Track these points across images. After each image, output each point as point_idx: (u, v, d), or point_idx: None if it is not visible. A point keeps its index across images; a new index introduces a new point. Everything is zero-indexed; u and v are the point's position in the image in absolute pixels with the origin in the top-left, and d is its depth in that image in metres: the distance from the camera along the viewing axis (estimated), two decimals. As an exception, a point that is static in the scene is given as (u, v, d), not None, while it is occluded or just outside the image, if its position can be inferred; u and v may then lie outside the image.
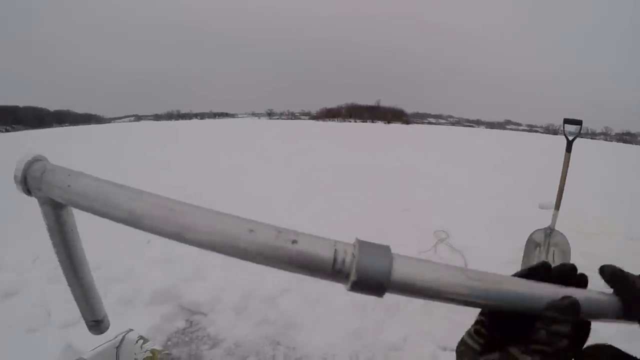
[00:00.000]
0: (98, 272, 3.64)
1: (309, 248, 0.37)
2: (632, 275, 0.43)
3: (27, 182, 0.45)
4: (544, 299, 0.39)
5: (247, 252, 0.37)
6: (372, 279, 0.36)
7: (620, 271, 0.43)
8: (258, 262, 0.38)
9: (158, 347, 1.75)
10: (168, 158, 11.55)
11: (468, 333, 0.46)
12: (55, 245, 0.51)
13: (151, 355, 1.75)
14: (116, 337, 1.78)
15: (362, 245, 0.37)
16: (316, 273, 0.37)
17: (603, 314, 0.40)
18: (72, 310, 3.16)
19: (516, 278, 0.41)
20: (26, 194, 0.46)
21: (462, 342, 0.46)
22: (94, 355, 1.68)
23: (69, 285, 0.54)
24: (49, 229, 0.49)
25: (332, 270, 0.36)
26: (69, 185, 0.43)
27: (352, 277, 0.36)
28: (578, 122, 3.62)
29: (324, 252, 0.36)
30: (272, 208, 5.91)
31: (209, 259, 3.92)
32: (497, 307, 0.40)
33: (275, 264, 0.37)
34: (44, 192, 0.44)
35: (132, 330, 1.83)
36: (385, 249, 0.38)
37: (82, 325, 2.21)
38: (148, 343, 1.77)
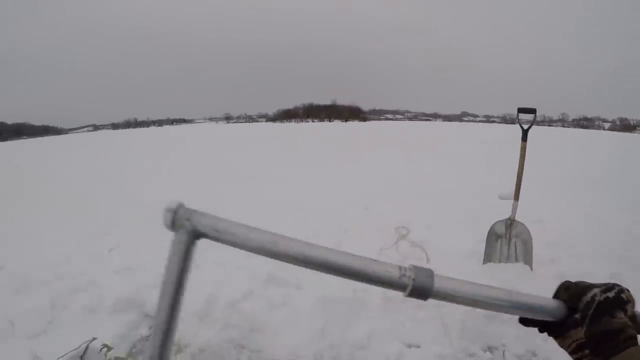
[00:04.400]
0: (60, 283, 3.57)
1: (386, 267, 0.54)
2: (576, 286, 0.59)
3: (176, 217, 0.57)
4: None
5: (353, 274, 0.54)
6: (421, 289, 0.53)
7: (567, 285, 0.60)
8: (349, 279, 0.55)
9: (122, 355, 1.72)
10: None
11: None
12: (170, 271, 0.58)
13: (115, 362, 1.72)
14: (80, 346, 1.74)
15: (416, 268, 0.54)
16: (387, 285, 0.53)
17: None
18: (36, 320, 3.08)
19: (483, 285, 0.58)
20: (169, 227, 0.57)
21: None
22: (59, 365, 1.64)
23: (158, 315, 0.58)
24: (176, 256, 0.58)
25: (398, 284, 0.53)
26: (218, 221, 0.57)
27: (409, 288, 0.53)
28: (532, 111, 3.68)
29: (395, 272, 0.53)
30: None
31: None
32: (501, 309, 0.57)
33: (364, 279, 0.54)
34: (192, 224, 0.57)
35: (95, 339, 1.80)
36: (430, 270, 0.54)
37: (47, 335, 2.17)
38: (112, 351, 1.74)
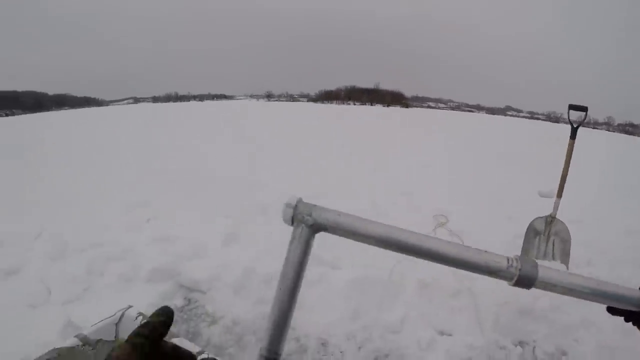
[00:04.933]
0: (99, 250, 3.70)
1: (495, 258, 0.56)
2: None
3: (296, 211, 0.61)
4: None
5: (460, 263, 0.57)
6: (527, 278, 0.56)
7: None
8: (460, 268, 0.58)
9: (157, 324, 1.74)
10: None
11: None
12: (290, 264, 0.62)
13: (150, 330, 1.74)
14: (115, 313, 1.77)
15: (521, 258, 0.57)
16: (494, 275, 0.56)
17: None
18: (72, 287, 3.20)
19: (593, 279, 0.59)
20: (287, 221, 0.62)
21: None
22: (94, 331, 1.68)
23: (275, 306, 0.62)
24: (296, 248, 0.62)
25: (506, 273, 0.56)
26: (338, 215, 0.61)
27: (516, 278, 0.56)
28: (583, 109, 3.57)
29: (502, 262, 0.56)
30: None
31: (208, 238, 3.96)
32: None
33: (475, 270, 0.57)
34: (313, 218, 0.61)
35: (131, 306, 1.82)
36: (534, 261, 0.57)
37: (82, 302, 2.22)
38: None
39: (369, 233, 0.59)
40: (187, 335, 2.86)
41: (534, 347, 2.91)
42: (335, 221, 0.60)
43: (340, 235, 0.61)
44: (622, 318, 0.62)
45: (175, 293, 3.29)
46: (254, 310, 3.09)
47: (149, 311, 2.53)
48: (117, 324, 1.76)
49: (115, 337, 1.75)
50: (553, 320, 3.02)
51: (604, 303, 0.60)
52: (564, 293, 0.58)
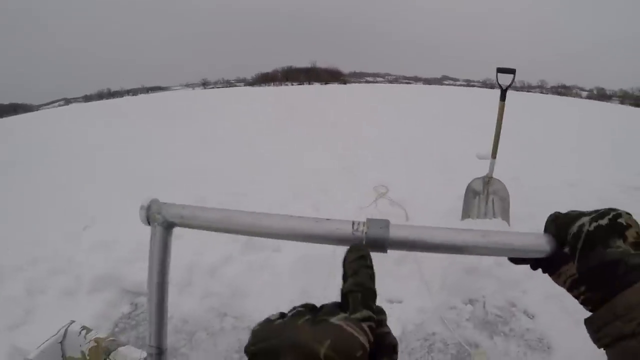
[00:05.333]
0: (37, 266, 3.48)
1: (336, 225, 0.53)
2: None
3: (149, 212, 0.63)
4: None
5: (305, 236, 0.54)
6: (376, 241, 0.50)
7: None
8: (303, 241, 0.55)
9: (101, 335, 1.68)
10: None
11: None
12: (154, 263, 0.66)
13: (96, 344, 1.68)
14: (59, 331, 1.69)
15: (369, 220, 0.52)
16: (342, 242, 0.52)
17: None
18: (13, 310, 3.00)
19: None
20: (145, 222, 0.64)
21: None
22: (39, 354, 1.60)
23: (149, 305, 0.67)
24: (156, 247, 0.65)
25: (352, 239, 0.51)
26: (182, 209, 0.62)
27: (364, 241, 0.50)
28: (511, 71, 3.65)
29: (347, 228, 0.52)
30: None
31: (145, 238, 3.74)
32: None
33: (318, 240, 0.54)
34: (162, 216, 0.62)
35: (74, 321, 1.74)
36: (386, 221, 0.52)
37: (26, 325, 2.10)
38: (92, 332, 1.69)
39: (210, 221, 0.59)
40: (137, 342, 2.75)
41: (484, 303, 3.00)
42: (180, 215, 0.61)
43: (191, 227, 0.61)
44: (529, 266, 0.55)
45: (120, 300, 3.16)
46: (202, 305, 3.02)
47: (94, 323, 2.44)
48: (61, 342, 1.68)
49: (62, 356, 1.68)
50: (499, 276, 3.11)
51: (495, 255, 0.54)
52: (438, 251, 0.53)
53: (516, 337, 2.70)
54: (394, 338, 0.40)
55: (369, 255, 0.44)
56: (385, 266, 3.21)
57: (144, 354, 1.53)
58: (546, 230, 0.53)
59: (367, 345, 0.34)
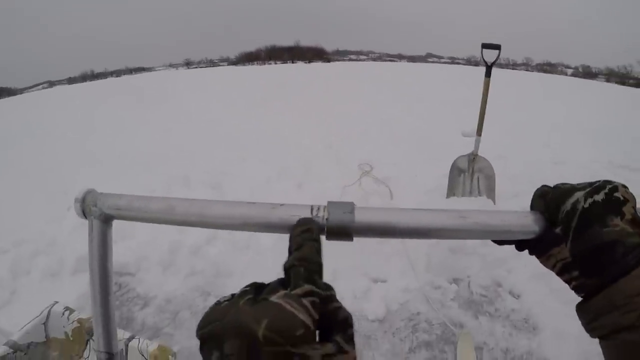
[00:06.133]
0: (22, 247, 3.43)
1: (292, 212, 0.46)
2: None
3: (84, 205, 0.57)
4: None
5: (258, 225, 0.48)
6: (340, 227, 0.44)
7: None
8: (257, 231, 0.49)
9: (84, 316, 1.67)
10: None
11: None
12: (94, 260, 0.59)
13: (79, 324, 1.67)
14: (42, 312, 1.68)
15: (331, 204, 0.46)
16: None
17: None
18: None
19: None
20: (80, 216, 0.58)
21: None
22: (23, 335, 1.58)
23: (94, 306, 0.61)
24: (94, 242, 0.59)
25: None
26: (119, 199, 0.56)
27: (326, 229, 0.44)
28: (496, 47, 3.60)
29: (305, 213, 0.45)
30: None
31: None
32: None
33: (273, 230, 0.47)
34: (99, 208, 0.56)
35: (57, 302, 1.73)
36: (350, 204, 0.46)
37: (11, 306, 2.07)
38: (74, 313, 1.68)
39: (152, 212, 0.53)
40: (121, 323, 2.75)
41: (469, 282, 3.01)
42: (117, 205, 0.55)
43: (132, 220, 0.55)
44: (513, 246, 0.49)
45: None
46: (185, 284, 3.02)
47: (78, 304, 2.42)
48: (45, 323, 1.67)
49: (45, 337, 1.67)
50: (484, 255, 3.11)
51: (475, 238, 0.48)
52: (412, 236, 0.47)
53: (501, 318, 2.71)
54: (347, 311, 0.37)
55: (317, 229, 0.42)
56: (369, 245, 3.21)
57: (127, 334, 1.53)
58: (533, 207, 0.48)
59: (309, 322, 0.32)
